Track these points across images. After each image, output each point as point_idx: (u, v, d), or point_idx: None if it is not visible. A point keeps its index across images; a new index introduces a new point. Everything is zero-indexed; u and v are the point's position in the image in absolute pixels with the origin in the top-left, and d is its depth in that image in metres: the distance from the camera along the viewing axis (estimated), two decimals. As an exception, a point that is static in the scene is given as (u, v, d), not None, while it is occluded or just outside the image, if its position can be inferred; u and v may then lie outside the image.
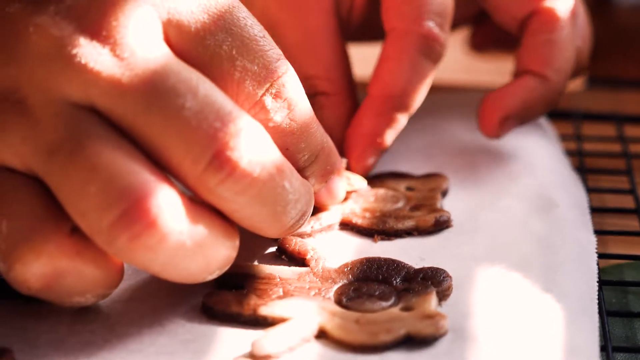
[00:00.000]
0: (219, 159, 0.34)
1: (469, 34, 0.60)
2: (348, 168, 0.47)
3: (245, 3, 0.47)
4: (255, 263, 0.42)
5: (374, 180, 0.48)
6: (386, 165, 0.50)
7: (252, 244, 0.43)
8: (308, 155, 0.39)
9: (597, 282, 0.41)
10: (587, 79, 0.66)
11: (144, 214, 0.33)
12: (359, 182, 0.46)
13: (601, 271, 0.45)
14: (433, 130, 0.55)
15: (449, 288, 0.39)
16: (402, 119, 0.47)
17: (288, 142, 0.38)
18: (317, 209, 0.45)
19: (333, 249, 0.43)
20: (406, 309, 0.38)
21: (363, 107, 0.47)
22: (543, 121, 0.57)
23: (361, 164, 0.47)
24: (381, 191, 0.47)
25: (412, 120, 0.55)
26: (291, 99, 0.38)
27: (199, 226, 0.35)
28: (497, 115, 0.49)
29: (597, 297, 0.40)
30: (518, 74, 0.50)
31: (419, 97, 0.47)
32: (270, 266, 0.41)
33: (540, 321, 0.37)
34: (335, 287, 0.40)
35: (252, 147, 0.35)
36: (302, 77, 0.45)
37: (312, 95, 0.47)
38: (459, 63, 0.69)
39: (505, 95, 0.49)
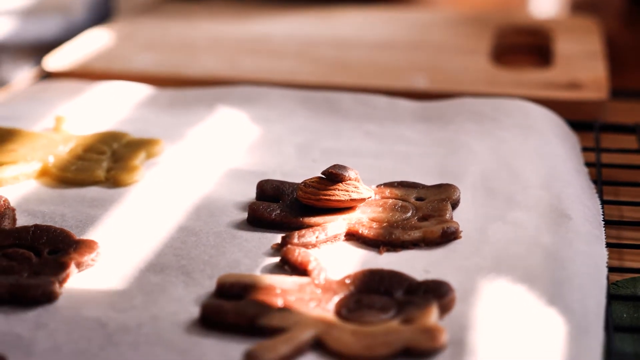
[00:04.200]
0: None
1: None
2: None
3: None
4: (258, 273, 0.42)
5: (383, 188, 0.48)
6: (400, 175, 0.50)
7: (255, 253, 0.43)
8: None
9: (606, 297, 0.40)
10: (610, 90, 0.65)
11: None
12: (366, 191, 0.46)
13: (614, 285, 0.44)
14: (448, 141, 0.54)
15: (451, 301, 0.39)
16: None
17: None
18: (323, 220, 0.45)
19: (337, 259, 0.42)
20: (406, 321, 0.37)
21: None
22: (567, 131, 0.56)
23: None
24: (390, 201, 0.46)
25: (428, 131, 0.55)
26: None
27: None
28: None
29: (603, 313, 0.38)
30: None
31: None
32: (272, 276, 0.40)
33: (542, 337, 0.36)
34: (336, 298, 0.39)
35: None
36: None
37: None
38: (481, 74, 0.68)
39: None
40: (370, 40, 0.77)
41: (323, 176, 0.46)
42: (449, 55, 0.73)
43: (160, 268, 0.42)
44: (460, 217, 0.46)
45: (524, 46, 0.80)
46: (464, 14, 0.87)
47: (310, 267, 0.41)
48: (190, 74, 0.69)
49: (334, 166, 0.46)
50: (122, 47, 0.75)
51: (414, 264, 0.42)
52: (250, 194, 0.49)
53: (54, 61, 0.70)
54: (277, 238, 0.44)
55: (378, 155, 0.53)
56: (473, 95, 0.60)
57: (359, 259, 0.43)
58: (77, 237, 0.44)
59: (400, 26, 0.82)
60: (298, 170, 0.51)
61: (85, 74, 0.69)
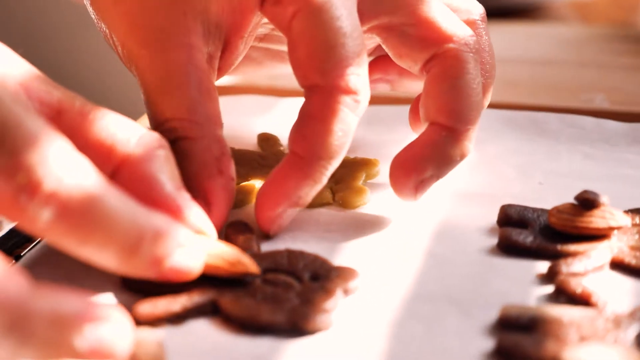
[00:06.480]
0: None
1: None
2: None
3: (102, 32, 0.45)
4: (531, 304, 0.40)
5: (631, 215, 0.46)
6: (637, 201, 0.48)
7: (520, 282, 0.42)
8: (117, 249, 0.35)
9: None
10: None
11: None
12: (623, 218, 0.44)
13: None
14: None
15: None
16: (325, 179, 0.44)
17: (78, 239, 0.34)
18: (583, 247, 0.43)
19: (608, 290, 0.41)
20: None
21: (286, 166, 0.44)
22: None
23: (278, 224, 0.45)
24: (646, 229, 0.45)
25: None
26: (62, 189, 0.33)
27: None
28: (411, 180, 0.46)
29: None
30: (425, 124, 0.47)
31: (344, 153, 0.44)
32: (556, 308, 0.39)
33: None
34: (631, 332, 0.37)
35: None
36: (161, 120, 0.42)
37: (173, 140, 0.42)
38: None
39: (415, 157, 0.46)
40: (530, 57, 0.76)
41: (575, 202, 0.45)
42: (616, 72, 0.72)
43: (426, 297, 0.41)
44: None
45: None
46: (608, 29, 0.86)
47: (593, 299, 0.39)
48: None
49: (586, 192, 0.45)
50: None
51: (696, 297, 0.40)
52: (488, 217, 0.47)
53: (216, 75, 0.69)
54: (535, 266, 0.43)
55: (605, 179, 0.51)
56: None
57: (632, 290, 0.41)
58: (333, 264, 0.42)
59: (552, 42, 0.81)
60: (527, 193, 0.50)
61: (249, 89, 0.68)
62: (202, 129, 0.43)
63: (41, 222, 0.33)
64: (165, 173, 0.39)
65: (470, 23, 0.49)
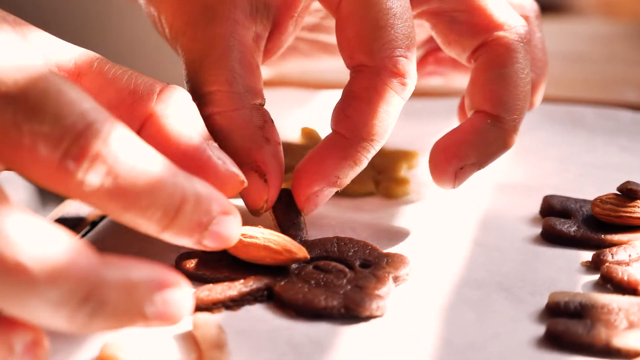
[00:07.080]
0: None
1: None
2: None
3: (151, 17, 0.45)
4: (579, 291, 0.41)
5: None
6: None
7: (567, 271, 0.42)
8: (161, 213, 0.35)
9: None
10: None
11: None
12: (665, 209, 0.45)
13: None
14: None
15: None
16: (366, 161, 0.43)
17: (123, 203, 0.34)
18: (626, 237, 0.44)
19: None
20: None
21: (327, 145, 0.43)
22: None
23: (314, 202, 0.44)
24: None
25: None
26: (108, 153, 0.33)
27: None
28: (451, 166, 0.45)
29: None
30: (470, 112, 0.46)
31: (387, 136, 0.43)
32: (605, 295, 0.40)
33: None
34: (679, 319, 0.38)
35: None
36: (200, 93, 0.41)
37: (213, 114, 0.42)
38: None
39: (457, 143, 0.45)
40: (559, 52, 0.77)
41: (618, 192, 0.45)
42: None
43: (476, 284, 0.41)
44: None
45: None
46: (634, 26, 0.86)
47: (641, 286, 0.40)
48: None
49: (629, 182, 0.45)
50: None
51: None
52: (530, 208, 0.48)
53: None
54: (579, 255, 0.44)
55: (642, 171, 0.52)
56: None
57: (676, 278, 0.42)
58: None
59: (579, 38, 0.82)
60: (567, 184, 0.51)
61: (281, 82, 0.69)
62: (242, 100, 0.42)
63: (88, 186, 0.33)
64: (190, 125, 0.39)
65: (523, 18, 0.49)
